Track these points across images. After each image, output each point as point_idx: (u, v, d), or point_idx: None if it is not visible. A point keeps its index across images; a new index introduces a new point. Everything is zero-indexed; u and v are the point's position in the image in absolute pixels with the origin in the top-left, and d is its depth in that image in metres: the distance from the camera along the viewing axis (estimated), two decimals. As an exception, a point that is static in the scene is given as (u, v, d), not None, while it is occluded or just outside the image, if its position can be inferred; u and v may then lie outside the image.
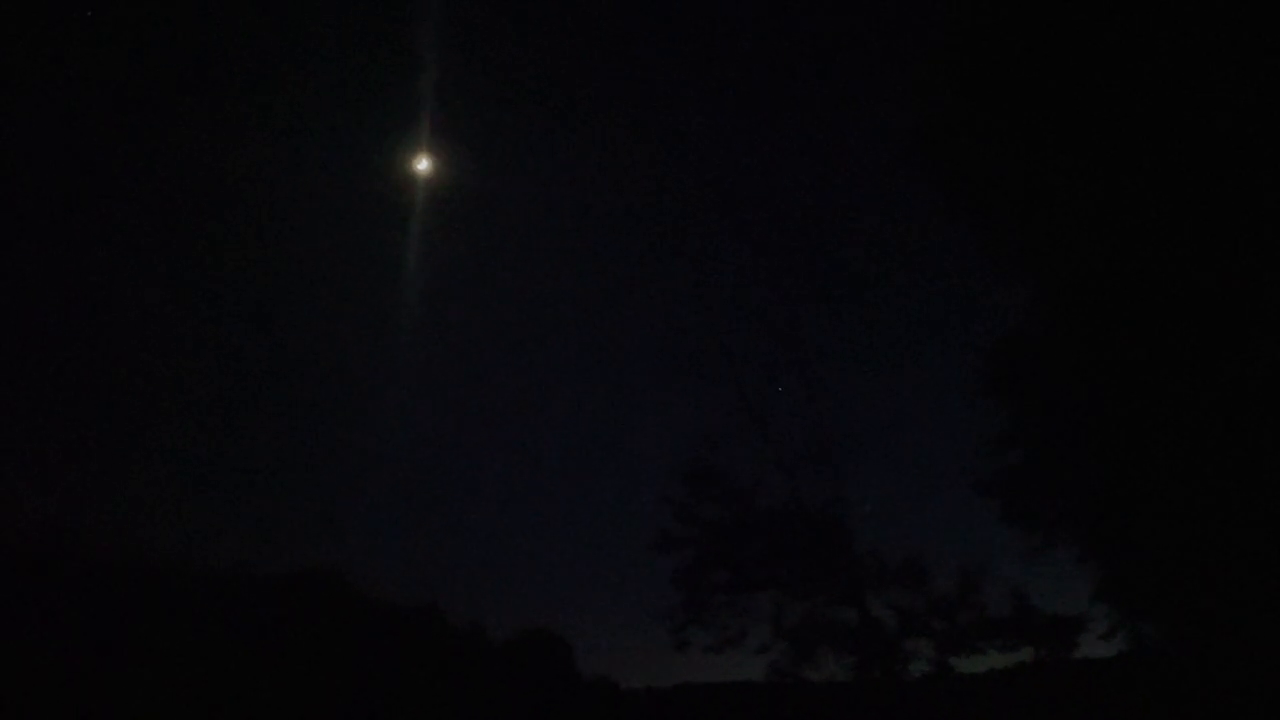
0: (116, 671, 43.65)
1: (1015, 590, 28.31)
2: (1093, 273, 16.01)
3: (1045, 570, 27.64)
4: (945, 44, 17.98)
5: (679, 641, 28.44)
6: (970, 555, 28.79)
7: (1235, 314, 13.70)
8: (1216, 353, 14.17)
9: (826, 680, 27.86)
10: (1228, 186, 13.64)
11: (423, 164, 35.30)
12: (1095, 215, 15.74)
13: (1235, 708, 15.92)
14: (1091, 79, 14.98)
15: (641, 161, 35.29)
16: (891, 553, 28.37)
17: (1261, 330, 13.33)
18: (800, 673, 27.90)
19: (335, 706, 54.19)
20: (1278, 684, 14.63)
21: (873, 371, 34.97)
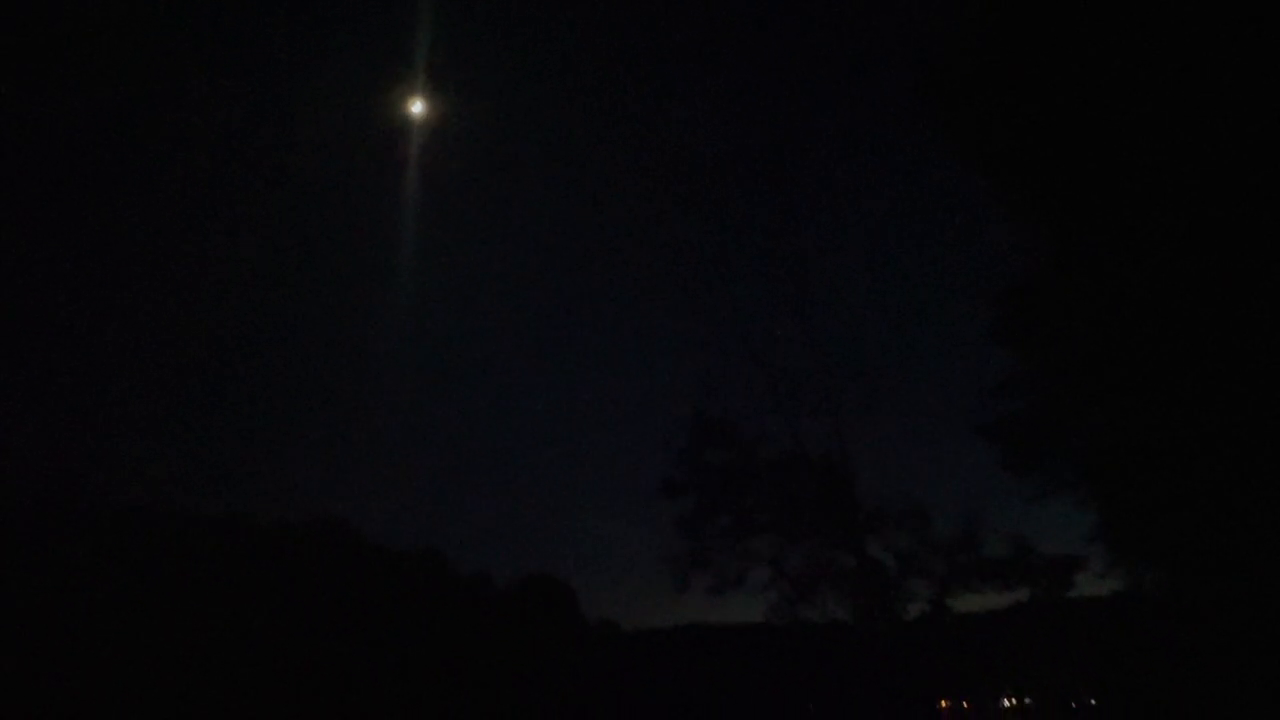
0: (124, 620, 44.38)
1: (1013, 532, 28.68)
2: (1103, 220, 15.97)
3: (1043, 513, 28.06)
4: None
5: (681, 584, 28.83)
6: (970, 499, 29.14)
7: (1244, 262, 13.70)
8: (1224, 303, 14.20)
9: (825, 621, 28.32)
10: (1242, 133, 13.57)
11: (417, 106, 35.02)
12: (1107, 162, 15.65)
13: (1228, 645, 16.25)
14: (1106, 22, 14.81)
15: (647, 106, 34.95)
16: (892, 496, 28.68)
17: (1271, 282, 13.34)
18: (800, 613, 28.34)
19: (344, 652, 55.16)
20: (1270, 622, 14.92)
21: (877, 319, 35.05)
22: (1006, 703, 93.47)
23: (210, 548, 52.59)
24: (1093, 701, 68.12)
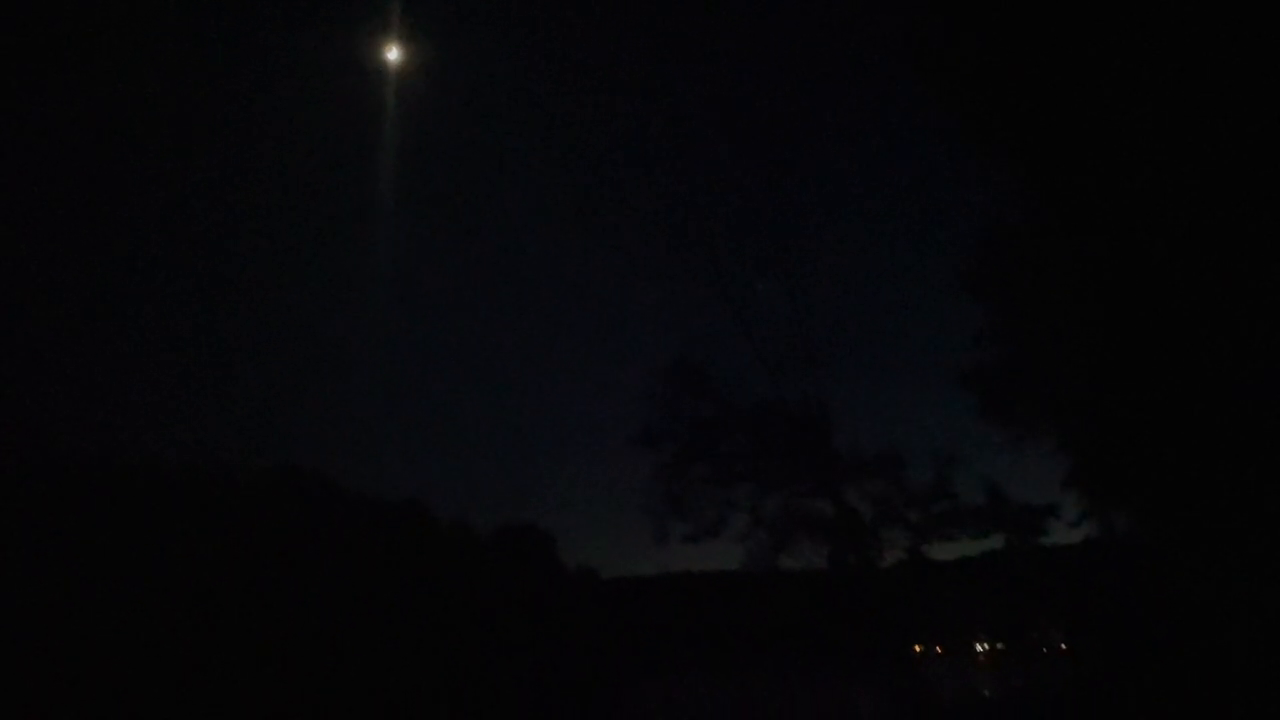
0: (91, 574, 44.14)
1: (988, 481, 28.96)
2: (1081, 172, 15.88)
3: (1017, 461, 28.33)
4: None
5: (659, 533, 28.98)
6: (945, 447, 29.33)
7: (1219, 211, 13.65)
8: (1197, 251, 14.17)
9: (803, 568, 28.60)
10: (1222, 86, 13.45)
11: (393, 53, 34.21)
12: (1085, 111, 15.53)
13: (1196, 588, 16.49)
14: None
15: (624, 57, 34.30)
16: (869, 445, 28.84)
17: (1245, 231, 13.30)
18: (777, 561, 28.60)
19: (322, 602, 55.24)
20: (1240, 567, 15.12)
21: (855, 268, 34.95)
22: (980, 648, 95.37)
23: (181, 499, 52.31)
24: (1063, 646, 69.45)
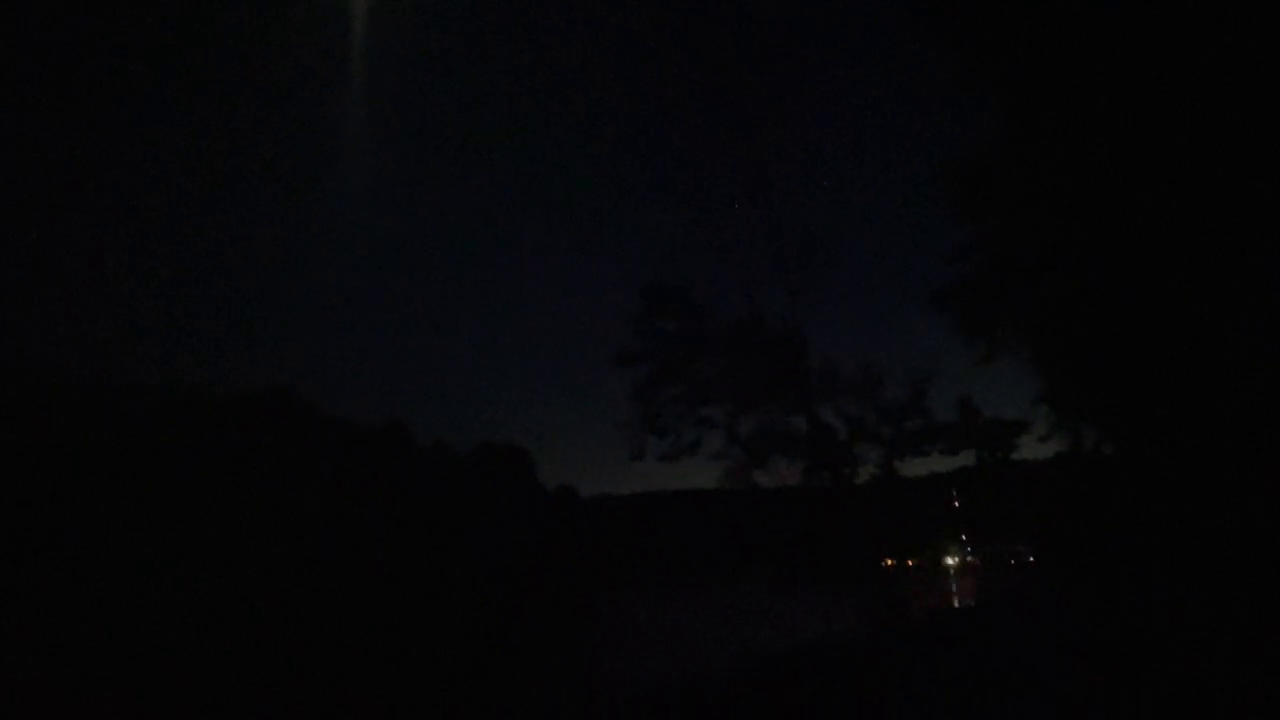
0: (69, 495, 44.08)
1: (961, 397, 29.31)
2: (1060, 90, 15.74)
3: (990, 379, 28.66)
4: None
5: (636, 451, 29.18)
6: (919, 364, 29.53)
7: (1192, 140, 13.60)
8: (1169, 178, 14.18)
9: (778, 485, 28.95)
10: (1197, 25, 13.32)
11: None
12: (1067, 33, 15.35)
13: (1163, 500, 16.86)
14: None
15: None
16: (844, 363, 28.99)
17: (1220, 163, 13.27)
18: (753, 479, 28.93)
19: (305, 522, 55.57)
20: (1202, 476, 15.46)
21: (831, 187, 34.70)
22: (950, 560, 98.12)
23: (158, 419, 52.10)
24: (1031, 558, 71.46)
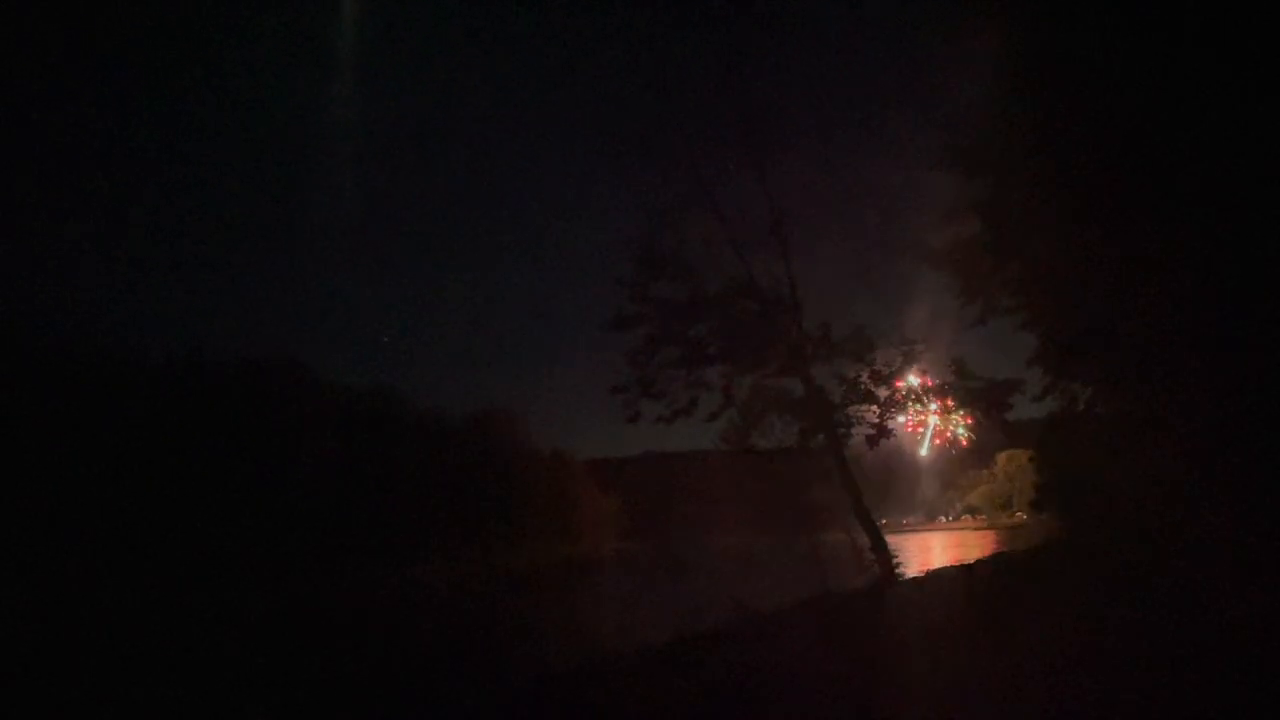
0: (68, 464, 44.08)
1: (955, 357, 29.37)
2: (1064, 36, 15.66)
3: (984, 338, 28.81)
4: None
5: (631, 414, 29.29)
6: (913, 324, 29.57)
7: (1193, 95, 13.55)
8: (1171, 141, 14.15)
9: (773, 447, 29.11)
10: None
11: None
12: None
13: (1155, 456, 17.05)
14: None
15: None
16: (839, 324, 29.01)
17: (1220, 117, 13.24)
18: (749, 441, 29.09)
19: (300, 486, 55.77)
20: (1193, 432, 15.63)
21: (825, 145, 34.53)
22: (943, 519, 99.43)
23: (157, 389, 52.02)
24: (1022, 515, 72.18)
